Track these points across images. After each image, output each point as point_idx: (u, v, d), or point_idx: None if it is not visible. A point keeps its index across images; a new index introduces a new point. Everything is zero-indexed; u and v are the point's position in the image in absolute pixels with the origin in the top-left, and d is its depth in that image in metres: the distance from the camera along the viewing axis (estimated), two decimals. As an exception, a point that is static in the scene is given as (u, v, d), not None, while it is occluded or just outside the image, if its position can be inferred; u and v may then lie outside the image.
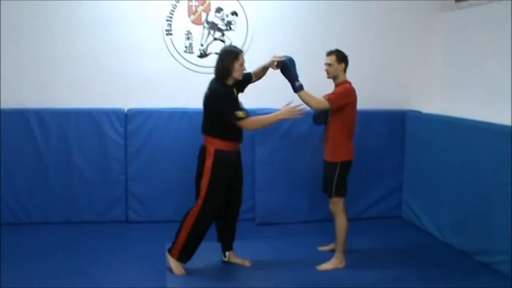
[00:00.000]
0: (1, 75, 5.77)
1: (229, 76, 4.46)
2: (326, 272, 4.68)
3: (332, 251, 4.92)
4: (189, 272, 4.57)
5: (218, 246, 4.85)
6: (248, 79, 4.73)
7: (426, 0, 6.33)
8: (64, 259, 4.84)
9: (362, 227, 5.74)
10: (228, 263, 4.81)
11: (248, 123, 4.43)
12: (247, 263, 4.80)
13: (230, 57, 4.46)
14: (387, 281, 4.51)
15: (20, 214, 5.78)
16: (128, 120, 5.83)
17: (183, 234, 4.51)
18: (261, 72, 4.80)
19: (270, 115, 4.56)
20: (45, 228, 5.68)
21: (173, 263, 4.56)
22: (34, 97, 5.83)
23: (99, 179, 5.86)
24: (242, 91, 4.75)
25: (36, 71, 5.84)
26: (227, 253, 4.83)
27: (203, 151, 4.54)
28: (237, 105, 4.44)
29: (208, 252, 4.85)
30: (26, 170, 5.75)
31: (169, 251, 4.59)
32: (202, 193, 4.48)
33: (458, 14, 6.00)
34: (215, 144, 4.46)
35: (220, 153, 4.45)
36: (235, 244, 4.86)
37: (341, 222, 4.77)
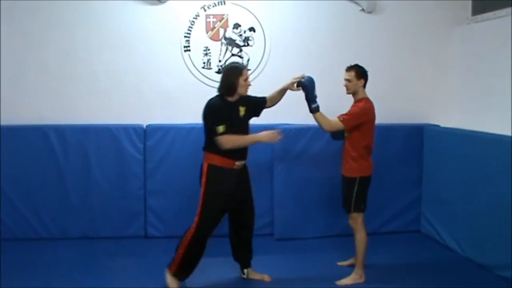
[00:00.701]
0: (22, 92, 5.86)
1: (234, 92, 4.47)
2: (345, 287, 4.67)
3: (351, 266, 4.91)
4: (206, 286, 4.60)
5: (227, 260, 4.86)
6: (263, 102, 4.76)
7: (442, 14, 6.34)
8: (82, 274, 4.87)
9: (381, 242, 5.71)
10: (247, 279, 4.81)
11: (224, 140, 4.36)
12: (266, 278, 4.80)
13: (234, 73, 4.47)
14: (407, 296, 4.49)
15: (39, 229, 5.82)
16: (147, 135, 5.87)
17: (181, 250, 4.47)
18: (279, 95, 4.79)
19: (249, 136, 4.56)
20: (63, 243, 5.71)
21: (169, 279, 4.50)
22: (54, 113, 5.90)
23: (118, 195, 5.89)
24: (257, 115, 4.77)
25: (56, 87, 5.92)
26: (245, 270, 4.83)
27: (200, 167, 4.55)
28: (221, 120, 4.37)
29: (226, 267, 4.88)
30: (45, 185, 5.81)
31: (168, 266, 4.54)
32: (198, 209, 4.46)
33: (474, 28, 6.01)
34: (209, 160, 4.46)
35: (213, 168, 4.44)
36: (254, 259, 4.85)
37: (360, 237, 4.76)
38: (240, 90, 4.49)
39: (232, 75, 4.47)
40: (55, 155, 5.78)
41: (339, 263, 5.18)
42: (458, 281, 4.83)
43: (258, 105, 4.75)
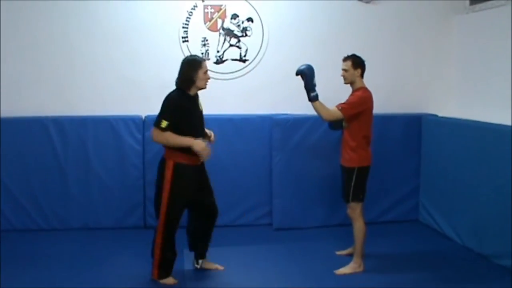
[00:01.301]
0: (21, 83, 5.86)
1: (192, 85, 4.38)
2: (344, 276, 4.69)
3: (350, 255, 4.93)
4: (206, 276, 4.63)
5: (226, 250, 4.91)
6: None
7: (441, 3, 6.32)
8: (82, 265, 4.88)
9: (380, 231, 5.72)
10: (201, 269, 4.75)
11: (157, 134, 4.29)
12: (219, 267, 4.77)
13: (193, 66, 4.38)
14: (405, 284, 4.50)
15: (39, 220, 5.84)
16: (146, 126, 5.85)
17: (157, 255, 4.44)
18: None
19: (184, 138, 4.29)
20: (64, 234, 5.73)
21: (161, 282, 4.47)
22: (53, 105, 5.90)
23: (118, 185, 5.90)
24: None
25: (55, 79, 5.92)
26: (200, 260, 4.76)
27: (162, 163, 4.45)
28: (171, 117, 4.26)
29: (224, 256, 4.91)
30: (45, 177, 5.82)
31: (152, 274, 4.50)
32: (163, 208, 4.38)
33: (473, 17, 6.00)
34: (174, 157, 4.36)
35: (180, 166, 4.36)
36: (253, 249, 4.86)
37: (359, 226, 4.77)
38: (199, 83, 4.40)
39: (191, 68, 4.37)
40: (55, 146, 5.79)
41: (338, 253, 5.19)
42: (456, 270, 4.85)
43: None
